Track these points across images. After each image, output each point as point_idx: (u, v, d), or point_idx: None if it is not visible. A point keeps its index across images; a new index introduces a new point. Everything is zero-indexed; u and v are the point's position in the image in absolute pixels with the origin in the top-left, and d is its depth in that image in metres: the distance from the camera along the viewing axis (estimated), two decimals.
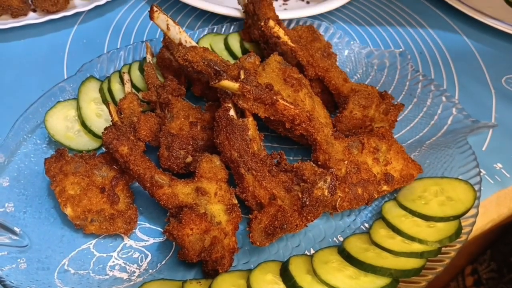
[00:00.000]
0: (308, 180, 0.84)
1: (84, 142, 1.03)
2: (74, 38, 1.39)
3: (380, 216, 0.92)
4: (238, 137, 0.88)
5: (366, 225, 0.94)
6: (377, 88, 1.12)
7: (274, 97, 0.88)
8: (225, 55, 1.24)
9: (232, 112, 0.90)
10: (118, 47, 1.36)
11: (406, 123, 1.14)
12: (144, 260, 0.87)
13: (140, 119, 0.98)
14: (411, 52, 1.44)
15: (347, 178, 0.90)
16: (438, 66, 1.39)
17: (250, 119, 0.91)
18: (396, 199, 0.94)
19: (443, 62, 1.41)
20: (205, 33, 1.29)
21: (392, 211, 0.91)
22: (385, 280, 0.77)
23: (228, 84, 0.86)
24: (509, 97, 1.29)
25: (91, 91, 1.09)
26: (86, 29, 1.43)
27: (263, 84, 0.91)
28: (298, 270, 0.79)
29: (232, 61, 1.14)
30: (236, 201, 0.88)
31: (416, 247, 0.83)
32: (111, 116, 0.97)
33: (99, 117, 1.06)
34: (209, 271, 0.82)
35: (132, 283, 0.83)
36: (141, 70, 1.15)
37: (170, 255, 0.88)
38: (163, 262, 0.87)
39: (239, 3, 1.30)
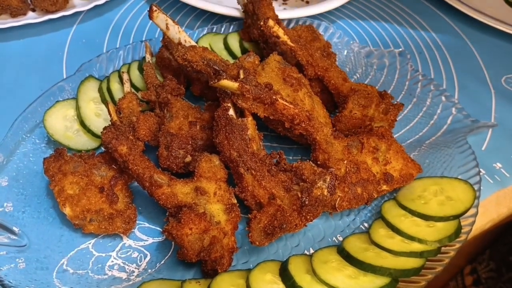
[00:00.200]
0: (307, 180, 0.83)
1: (83, 142, 1.03)
2: (73, 37, 1.39)
3: (379, 216, 0.92)
4: (238, 137, 0.88)
5: (366, 224, 0.94)
6: (376, 87, 1.11)
7: (274, 97, 0.88)
8: (225, 55, 1.24)
9: (231, 112, 0.90)
10: (117, 46, 1.36)
11: (405, 123, 1.14)
12: (143, 259, 0.87)
13: (139, 119, 0.98)
14: (410, 51, 1.44)
15: (347, 178, 0.90)
16: (437, 66, 1.39)
17: (250, 118, 0.91)
18: (396, 198, 0.94)
19: (443, 62, 1.41)
20: (204, 32, 1.29)
21: (391, 211, 0.91)
22: (384, 280, 0.77)
23: (227, 83, 0.86)
24: (508, 96, 1.29)
25: (90, 91, 1.09)
26: (85, 29, 1.43)
27: (262, 83, 0.91)
28: (297, 269, 0.79)
29: (231, 61, 1.14)
30: (235, 201, 0.88)
31: (416, 246, 0.83)
32: (110, 115, 0.97)
33: (98, 116, 1.05)
34: (208, 270, 0.82)
35: (131, 282, 0.83)
36: (140, 69, 1.15)
37: (169, 254, 0.88)
38: (162, 262, 0.87)
39: (238, 2, 1.30)
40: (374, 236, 0.86)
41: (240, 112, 0.93)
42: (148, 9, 1.03)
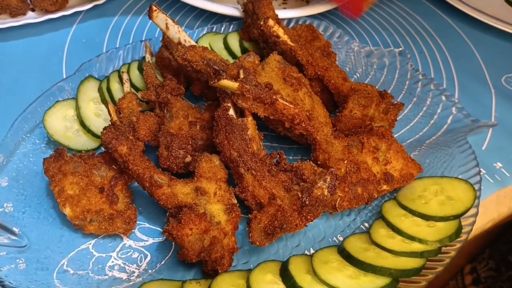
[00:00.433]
0: (307, 180, 0.83)
1: (83, 142, 1.02)
2: (73, 37, 1.39)
3: (380, 216, 0.92)
4: (238, 137, 0.88)
5: (366, 224, 0.93)
6: (376, 87, 1.11)
7: (274, 97, 0.88)
8: (225, 55, 1.24)
9: (231, 112, 0.90)
10: (117, 46, 1.35)
11: (406, 123, 1.14)
12: (143, 260, 0.87)
13: (139, 119, 0.97)
14: (410, 51, 1.43)
15: (347, 178, 0.90)
16: (437, 65, 1.39)
17: (250, 118, 0.91)
18: (396, 198, 0.94)
19: (443, 61, 1.41)
20: (204, 32, 1.29)
21: (392, 211, 0.91)
22: (385, 280, 0.77)
23: (227, 83, 0.86)
24: (509, 96, 1.29)
25: (90, 91, 1.09)
26: (85, 29, 1.43)
27: (262, 83, 0.91)
28: (297, 270, 0.79)
29: (231, 61, 1.14)
30: (235, 201, 0.88)
31: (416, 246, 0.83)
32: (110, 115, 0.97)
33: (98, 116, 1.05)
34: (209, 271, 0.82)
35: (131, 283, 0.82)
36: (140, 69, 1.15)
37: (169, 255, 0.88)
38: (162, 262, 0.87)
39: (238, 2, 1.29)
40: (374, 236, 0.86)
41: (240, 112, 0.93)
42: (148, 8, 1.03)
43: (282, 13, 1.34)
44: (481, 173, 0.99)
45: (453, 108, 1.11)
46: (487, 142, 1.14)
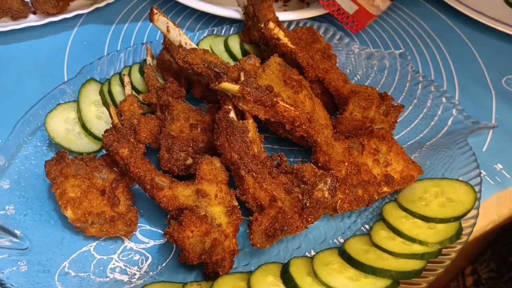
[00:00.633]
0: (308, 182, 0.84)
1: (85, 145, 1.03)
2: (75, 40, 1.40)
3: (380, 218, 0.92)
4: (238, 139, 0.88)
5: (367, 226, 0.94)
6: (377, 89, 1.12)
7: (274, 99, 0.88)
8: (225, 57, 1.24)
9: (232, 114, 0.91)
10: (118, 49, 1.36)
11: (406, 124, 1.14)
12: (144, 262, 0.87)
13: (141, 121, 0.98)
14: (411, 53, 1.44)
15: (348, 180, 0.91)
16: (438, 67, 1.39)
17: (250, 121, 0.91)
18: (397, 200, 0.95)
19: (443, 63, 1.41)
20: (205, 35, 1.29)
21: (392, 213, 0.91)
22: (385, 282, 0.77)
23: (228, 86, 0.86)
24: (509, 97, 1.29)
25: (91, 94, 1.09)
26: (86, 31, 1.43)
27: (263, 86, 0.91)
28: (298, 272, 0.79)
29: (232, 63, 1.14)
30: (236, 203, 0.88)
31: (417, 248, 0.83)
32: (112, 118, 0.97)
33: (99, 119, 1.06)
34: (210, 273, 0.82)
35: (132, 285, 0.83)
36: (141, 72, 1.15)
37: (170, 257, 0.88)
38: (163, 264, 0.87)
39: (239, 4, 1.30)
40: (375, 238, 0.87)
41: (241, 115, 0.93)
42: (149, 11, 1.03)
43: (283, 16, 1.34)
44: (482, 175, 0.99)
45: (454, 110, 1.11)
46: (488, 144, 1.14)
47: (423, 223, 0.88)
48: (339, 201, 0.89)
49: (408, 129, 1.13)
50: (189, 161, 0.94)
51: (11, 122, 1.00)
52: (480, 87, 1.32)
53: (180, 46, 1.04)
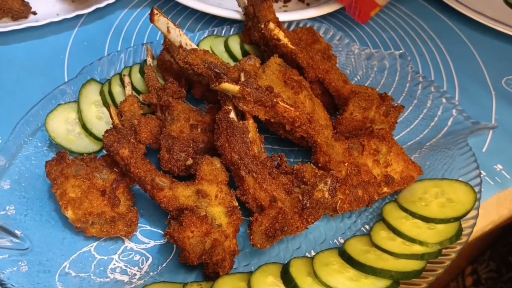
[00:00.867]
0: (308, 182, 0.84)
1: (85, 145, 1.03)
2: (75, 40, 1.40)
3: (380, 218, 0.92)
4: (239, 140, 0.88)
5: (367, 226, 0.94)
6: (377, 89, 1.12)
7: (274, 100, 0.88)
8: (226, 57, 1.24)
9: (232, 115, 0.91)
10: (119, 49, 1.36)
11: (406, 125, 1.14)
12: (145, 262, 0.87)
13: (141, 122, 0.98)
14: (411, 53, 1.44)
15: (348, 180, 0.91)
16: (438, 68, 1.39)
17: (251, 121, 0.91)
18: (397, 200, 0.95)
19: (443, 64, 1.41)
20: (205, 35, 1.29)
21: (392, 213, 0.91)
22: (385, 282, 0.77)
23: (228, 86, 0.87)
24: (509, 98, 1.29)
25: (91, 94, 1.09)
26: (86, 32, 1.43)
27: (263, 86, 0.91)
28: (298, 272, 0.79)
29: (232, 63, 1.14)
30: (236, 204, 0.88)
31: (417, 249, 0.83)
32: (112, 118, 0.97)
33: (99, 119, 1.06)
34: (210, 273, 0.82)
35: (133, 285, 0.83)
36: (142, 72, 1.15)
37: (171, 257, 0.88)
38: (164, 265, 0.87)
39: (239, 5, 1.30)
40: (375, 238, 0.87)
41: (241, 115, 0.93)
42: (149, 12, 1.03)
43: (283, 16, 1.34)
44: (482, 175, 0.99)
45: (454, 110, 1.11)
46: (488, 144, 1.15)
47: (423, 224, 0.88)
48: (339, 201, 0.89)
49: (408, 129, 1.13)
50: (190, 161, 0.94)
51: (11, 123, 1.00)
52: (480, 88, 1.32)
53: (181, 46, 1.04)
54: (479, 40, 1.51)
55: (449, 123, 1.10)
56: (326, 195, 0.81)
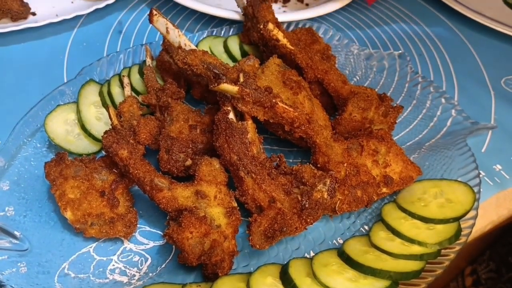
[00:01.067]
0: (307, 183, 0.84)
1: (84, 146, 1.03)
2: (74, 41, 1.40)
3: (379, 218, 0.92)
4: (238, 140, 0.88)
5: (366, 227, 0.94)
6: (376, 90, 1.12)
7: (273, 100, 0.88)
8: (225, 58, 1.24)
9: (231, 115, 0.91)
10: (118, 50, 1.36)
11: (405, 125, 1.14)
12: (144, 263, 0.87)
13: (140, 123, 0.98)
14: (410, 54, 1.44)
15: (347, 181, 0.91)
16: (437, 68, 1.39)
17: (250, 122, 0.91)
18: (396, 201, 0.95)
19: (442, 64, 1.41)
20: (204, 35, 1.29)
21: (391, 213, 0.91)
22: (384, 283, 0.77)
23: (227, 87, 0.87)
24: (508, 98, 1.29)
25: (91, 95, 1.09)
26: (85, 32, 1.43)
27: (262, 87, 0.91)
28: (297, 273, 0.79)
29: (231, 64, 1.14)
30: (235, 204, 0.88)
31: (416, 249, 0.83)
32: (111, 119, 0.97)
33: (99, 120, 1.06)
34: (209, 274, 0.82)
35: (132, 286, 0.83)
36: (141, 73, 1.15)
37: (170, 258, 0.88)
38: (163, 266, 0.87)
39: (238, 5, 1.30)
40: (374, 238, 0.87)
41: (240, 116, 0.93)
42: (148, 12, 1.03)
43: (282, 17, 1.34)
44: (481, 176, 0.99)
45: (453, 111, 1.11)
46: (487, 144, 1.15)
47: (422, 224, 0.88)
48: (338, 202, 0.89)
49: (407, 130, 1.13)
50: (189, 162, 0.94)
51: (10, 123, 1.00)
52: (479, 88, 1.32)
53: (180, 47, 1.04)
54: (479, 40, 1.51)
55: (448, 123, 1.10)
56: (325, 196, 0.81)
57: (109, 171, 0.93)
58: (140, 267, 0.87)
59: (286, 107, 0.89)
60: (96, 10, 1.44)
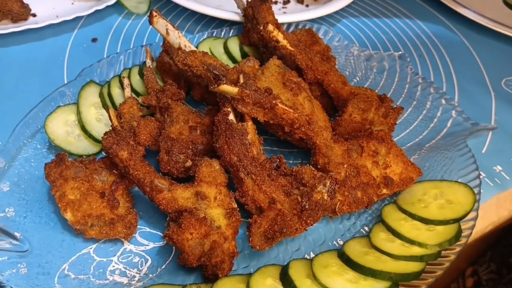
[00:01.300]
0: (307, 184, 0.84)
1: (84, 147, 1.03)
2: (74, 42, 1.40)
3: (379, 220, 0.92)
4: (238, 141, 0.88)
5: (366, 228, 0.94)
6: (376, 91, 1.12)
7: (273, 101, 0.88)
8: (225, 59, 1.24)
9: (231, 116, 0.91)
10: (118, 51, 1.36)
11: (405, 126, 1.14)
12: (144, 264, 0.87)
13: (140, 124, 0.98)
14: (410, 55, 1.44)
15: (347, 182, 0.91)
16: (437, 69, 1.39)
17: (250, 123, 0.91)
18: (396, 202, 0.95)
19: (442, 65, 1.41)
20: (204, 37, 1.30)
21: (391, 215, 0.91)
22: (384, 284, 0.77)
23: (227, 88, 0.87)
24: (508, 99, 1.29)
25: (91, 96, 1.09)
26: (86, 34, 1.43)
27: (262, 88, 0.91)
28: (297, 274, 0.79)
29: (231, 65, 1.15)
30: (235, 205, 0.88)
31: (416, 250, 0.83)
32: (111, 120, 0.97)
33: (99, 121, 1.06)
34: (209, 275, 0.82)
35: (132, 287, 0.83)
36: (141, 74, 1.15)
37: (170, 259, 0.88)
38: (163, 267, 0.87)
39: (238, 7, 1.30)
40: (374, 240, 0.87)
41: (240, 117, 0.93)
42: (148, 14, 1.03)
43: (282, 18, 1.34)
44: (481, 177, 0.99)
45: (453, 112, 1.11)
46: (487, 146, 1.14)
47: (422, 225, 0.88)
48: (338, 203, 0.89)
49: (408, 131, 1.13)
50: (189, 163, 0.94)
51: (11, 125, 1.00)
52: (479, 89, 1.32)
53: (180, 48, 1.04)
54: (479, 41, 1.51)
55: (449, 124, 1.10)
56: (325, 197, 0.81)
57: (109, 172, 0.93)
58: (140, 268, 0.87)
59: (286, 108, 0.89)
60: (96, 11, 1.44)
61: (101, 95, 1.10)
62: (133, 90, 1.12)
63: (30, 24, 1.36)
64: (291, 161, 1.07)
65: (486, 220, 1.01)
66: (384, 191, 0.94)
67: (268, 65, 1.01)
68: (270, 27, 1.06)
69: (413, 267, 0.80)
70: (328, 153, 0.92)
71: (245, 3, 1.25)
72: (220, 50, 1.26)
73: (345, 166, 0.92)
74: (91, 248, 0.88)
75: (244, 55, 1.25)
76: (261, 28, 1.08)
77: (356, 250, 0.85)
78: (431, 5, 1.68)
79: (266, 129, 1.00)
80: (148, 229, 0.93)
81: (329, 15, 1.52)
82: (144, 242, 0.91)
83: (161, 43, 1.17)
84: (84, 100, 1.07)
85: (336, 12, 1.53)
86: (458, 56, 1.44)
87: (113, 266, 0.86)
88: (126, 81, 1.10)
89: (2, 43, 1.36)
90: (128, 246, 0.90)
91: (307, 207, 0.81)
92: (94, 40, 1.40)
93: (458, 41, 1.52)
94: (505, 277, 1.45)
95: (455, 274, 1.55)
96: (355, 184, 0.91)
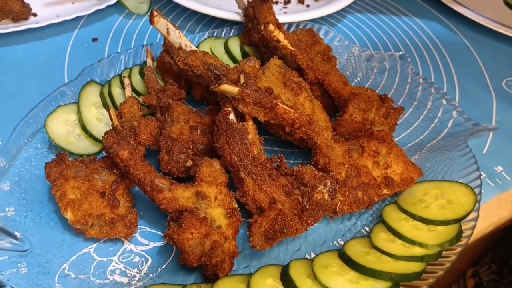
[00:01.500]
0: (308, 184, 0.84)
1: (85, 146, 1.03)
2: (75, 42, 1.40)
3: (380, 220, 0.92)
4: (238, 141, 0.88)
5: (367, 228, 0.94)
6: (377, 91, 1.12)
7: (274, 101, 0.88)
8: (225, 59, 1.24)
9: (232, 116, 0.91)
10: (119, 51, 1.36)
11: (406, 126, 1.14)
12: (144, 264, 0.87)
13: (141, 123, 0.98)
14: (411, 55, 1.44)
15: (347, 182, 0.91)
16: (438, 69, 1.39)
17: (250, 123, 0.91)
18: (397, 202, 0.94)
19: (443, 65, 1.41)
20: (205, 37, 1.29)
21: (392, 215, 0.91)
22: (385, 284, 0.77)
23: (228, 88, 0.87)
24: (509, 99, 1.29)
25: (91, 95, 1.09)
26: (86, 33, 1.43)
27: (263, 88, 0.91)
28: (298, 274, 0.79)
29: (232, 65, 1.14)
30: (236, 205, 0.88)
31: (417, 250, 0.83)
32: (112, 120, 0.97)
33: (99, 121, 1.06)
34: (209, 275, 0.82)
35: (132, 287, 0.83)
36: (142, 74, 1.15)
37: (170, 259, 0.88)
38: (163, 267, 0.87)
39: (239, 6, 1.30)
40: (375, 240, 0.86)
41: (241, 117, 0.93)
42: (149, 13, 1.03)
43: (283, 18, 1.34)
44: (482, 177, 0.99)
45: (454, 112, 1.11)
46: (488, 146, 1.14)
47: (423, 225, 0.88)
48: (339, 203, 0.89)
49: (408, 131, 1.13)
50: (189, 163, 0.94)
51: (11, 124, 1.00)
52: (480, 89, 1.32)
53: (180, 48, 1.04)
54: (479, 41, 1.51)
55: (449, 124, 1.10)
56: (326, 197, 0.81)
57: (110, 171, 0.93)
58: (141, 268, 0.86)
59: (287, 108, 0.89)
60: (97, 11, 1.44)
61: (101, 94, 1.10)
62: (133, 89, 1.12)
63: (30, 23, 1.36)
64: (291, 161, 1.07)
65: (487, 220, 1.01)
66: (385, 191, 0.94)
67: (268, 65, 1.01)
68: (271, 27, 1.06)
69: (413, 267, 0.80)
70: (329, 153, 0.92)
71: (246, 3, 1.25)
72: (221, 50, 1.26)
73: (346, 166, 0.92)
74: (91, 248, 0.88)
75: (244, 55, 1.25)
76: (262, 28, 1.08)
77: (356, 250, 0.84)
78: (432, 5, 1.68)
79: (266, 129, 1.00)
80: (148, 229, 0.93)
81: (330, 15, 1.52)
82: (145, 241, 0.91)
83: (162, 43, 1.17)
84: (84, 100, 1.07)
85: (337, 12, 1.53)
86: (459, 57, 1.44)
87: (114, 266, 0.86)
88: (126, 81, 1.09)
89: (3, 43, 1.36)
90: (128, 245, 0.90)
91: (307, 207, 0.80)
92: (94, 39, 1.40)
93: (459, 42, 1.52)
94: (506, 278, 1.45)
95: (456, 275, 1.55)
96: (356, 184, 0.91)
